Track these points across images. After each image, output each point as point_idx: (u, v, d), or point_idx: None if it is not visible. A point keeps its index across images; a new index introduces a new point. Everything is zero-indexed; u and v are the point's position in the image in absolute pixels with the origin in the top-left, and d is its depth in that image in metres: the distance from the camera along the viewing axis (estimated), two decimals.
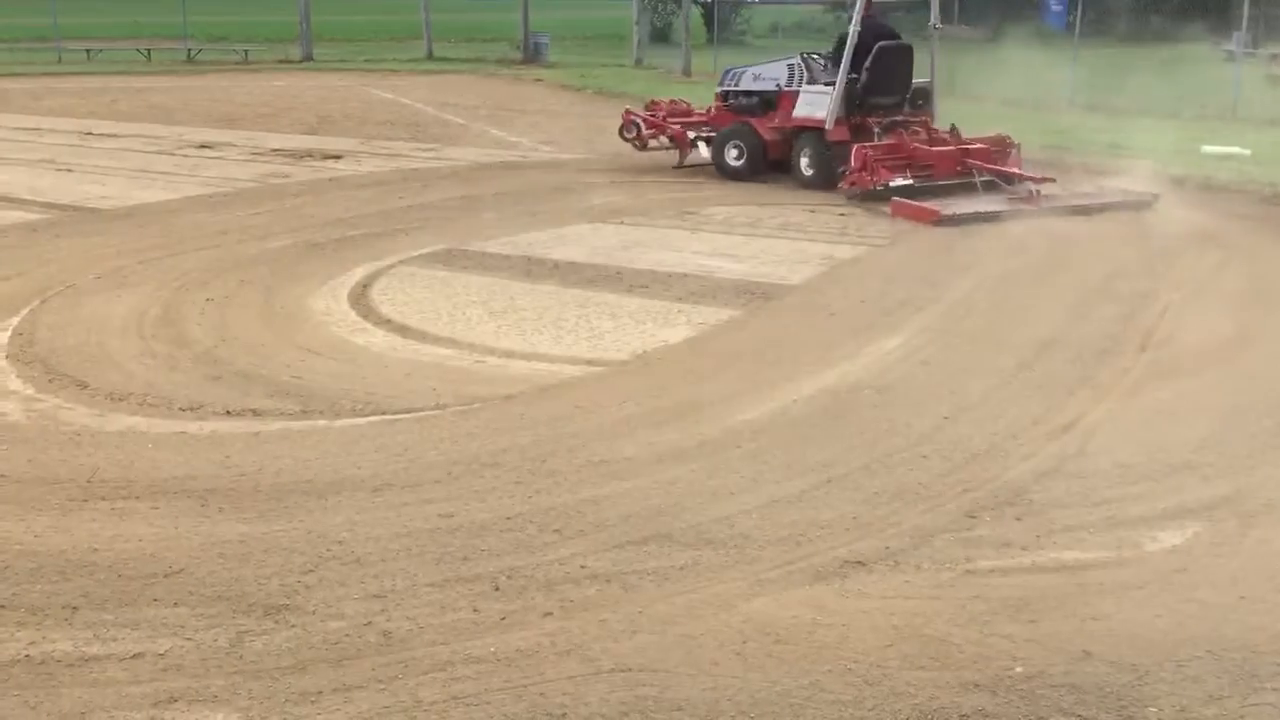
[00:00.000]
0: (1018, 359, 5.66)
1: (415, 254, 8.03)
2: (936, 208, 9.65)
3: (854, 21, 10.64)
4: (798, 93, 10.94)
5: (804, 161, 10.89)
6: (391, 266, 7.65)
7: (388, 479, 4.20)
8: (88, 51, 31.63)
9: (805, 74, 11.02)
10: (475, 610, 3.31)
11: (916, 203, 9.89)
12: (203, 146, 14.59)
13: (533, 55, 31.16)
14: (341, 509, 3.95)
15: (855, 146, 10.29)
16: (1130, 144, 13.85)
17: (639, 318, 6.44)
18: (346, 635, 3.17)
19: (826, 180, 10.63)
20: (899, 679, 2.97)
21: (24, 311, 6.47)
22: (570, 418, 4.85)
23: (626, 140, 12.15)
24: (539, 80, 25.95)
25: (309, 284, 7.15)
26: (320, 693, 2.90)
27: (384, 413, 4.90)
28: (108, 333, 6.06)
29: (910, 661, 3.05)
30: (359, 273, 7.46)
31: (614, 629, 3.21)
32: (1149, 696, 2.90)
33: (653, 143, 12.03)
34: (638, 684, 2.94)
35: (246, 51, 33.27)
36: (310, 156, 13.40)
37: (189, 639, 3.14)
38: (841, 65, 10.56)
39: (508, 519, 3.88)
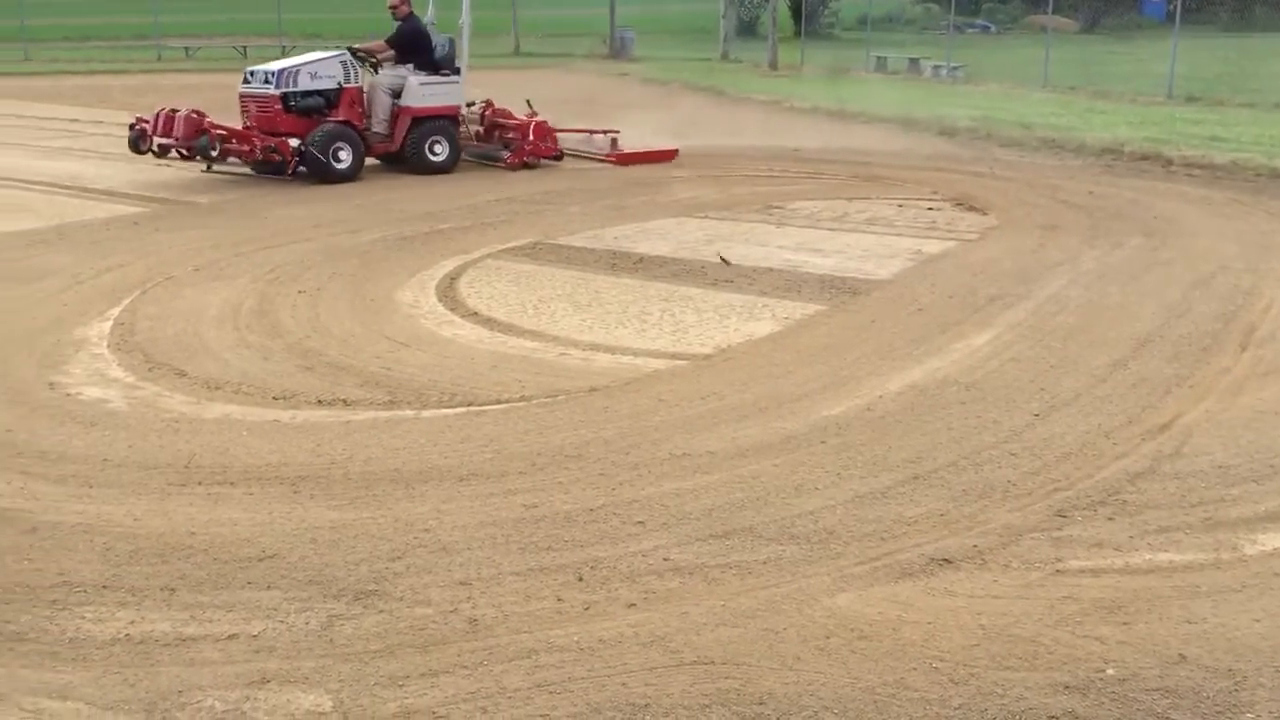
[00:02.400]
0: (1112, 357, 5.53)
1: (502, 248, 8.11)
2: (674, 147, 12.47)
3: (465, 13, 11.99)
4: (356, 88, 11.21)
5: (438, 148, 11.57)
6: (478, 260, 7.74)
7: (474, 469, 4.25)
8: (186, 49, 32.48)
9: (357, 70, 11.30)
10: (559, 599, 3.33)
11: (655, 149, 12.47)
12: None
13: (619, 50, 31.27)
14: (429, 498, 4.01)
15: (534, 121, 11.95)
16: (1232, 137, 13.45)
17: (723, 312, 6.43)
18: (433, 621, 3.21)
19: (455, 161, 11.71)
20: (986, 679, 2.93)
21: (125, 302, 6.67)
22: (654, 411, 4.86)
23: (211, 159, 10.51)
24: (625, 75, 26.01)
25: (398, 277, 7.26)
26: (408, 677, 2.95)
27: (470, 404, 4.96)
28: (204, 323, 6.22)
29: (998, 661, 3.00)
30: (447, 266, 7.55)
31: (696, 621, 3.21)
32: (1245, 702, 2.82)
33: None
34: (720, 676, 2.94)
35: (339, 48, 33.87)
36: None
37: (281, 622, 3.21)
38: (464, 55, 11.81)
39: (591, 510, 3.90)
